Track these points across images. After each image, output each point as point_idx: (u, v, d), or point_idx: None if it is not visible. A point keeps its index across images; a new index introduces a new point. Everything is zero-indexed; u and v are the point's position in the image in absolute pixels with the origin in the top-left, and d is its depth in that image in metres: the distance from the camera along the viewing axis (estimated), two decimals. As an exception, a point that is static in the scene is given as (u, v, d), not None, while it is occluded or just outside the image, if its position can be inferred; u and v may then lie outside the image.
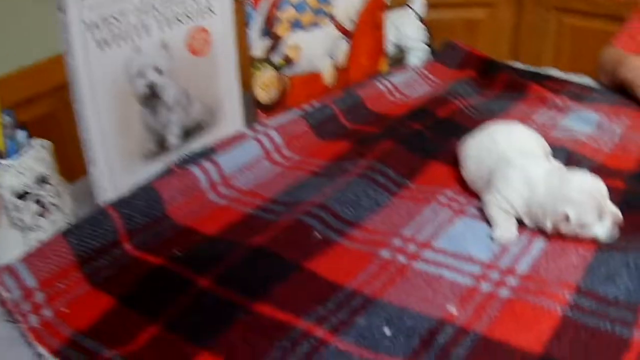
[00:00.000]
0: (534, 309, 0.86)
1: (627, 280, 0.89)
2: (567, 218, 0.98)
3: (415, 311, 0.87)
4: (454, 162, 1.22)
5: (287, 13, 1.38)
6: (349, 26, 1.54)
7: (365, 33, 1.59)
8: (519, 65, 1.79)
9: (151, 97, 1.16)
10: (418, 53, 1.80)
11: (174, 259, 0.96)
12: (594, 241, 0.99)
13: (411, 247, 1.01)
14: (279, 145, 1.31)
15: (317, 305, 0.88)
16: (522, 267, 0.95)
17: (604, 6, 2.15)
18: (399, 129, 1.34)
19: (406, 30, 1.77)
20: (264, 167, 1.25)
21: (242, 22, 1.33)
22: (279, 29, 1.38)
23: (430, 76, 1.70)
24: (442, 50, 1.80)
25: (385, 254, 0.99)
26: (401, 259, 0.98)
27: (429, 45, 1.80)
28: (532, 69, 1.76)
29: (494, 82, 1.64)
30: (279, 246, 0.99)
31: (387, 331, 0.84)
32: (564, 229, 0.99)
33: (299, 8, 1.40)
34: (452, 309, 0.87)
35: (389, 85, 1.59)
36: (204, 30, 1.24)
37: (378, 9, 1.61)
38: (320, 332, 0.83)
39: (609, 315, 0.84)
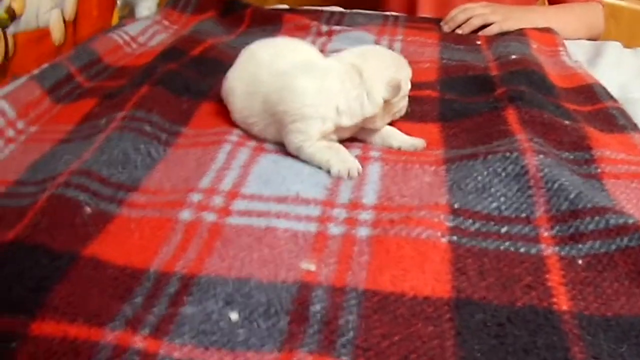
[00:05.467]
0: (413, 243, 0.65)
1: (504, 189, 0.72)
2: (399, 86, 0.81)
3: (261, 280, 0.60)
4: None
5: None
6: (76, -31, 1.21)
7: (95, -23, 1.28)
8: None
9: None
10: (148, 4, 1.52)
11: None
12: (435, 155, 0.82)
13: (217, 200, 0.72)
14: (12, 118, 0.93)
15: (120, 303, 0.56)
16: (369, 197, 0.73)
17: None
18: (151, 72, 1.03)
19: None
20: (-4, 149, 0.88)
21: None
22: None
23: (167, 23, 1.41)
24: None
25: (185, 215, 0.70)
26: (209, 217, 0.70)
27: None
28: (272, 7, 1.58)
29: (240, 19, 1.42)
30: (41, 234, 0.64)
31: (233, 316, 0.56)
32: (396, 104, 0.84)
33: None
34: (309, 265, 0.62)
35: (125, 37, 1.28)
36: None
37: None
38: (139, 342, 0.52)
39: (503, 234, 0.67)
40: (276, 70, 0.84)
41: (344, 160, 0.78)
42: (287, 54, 0.88)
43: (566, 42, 1.33)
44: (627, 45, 1.77)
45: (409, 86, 0.86)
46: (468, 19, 1.36)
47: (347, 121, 0.80)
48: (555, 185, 0.71)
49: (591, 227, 0.66)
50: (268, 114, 0.83)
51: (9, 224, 0.68)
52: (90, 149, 0.81)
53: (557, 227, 0.67)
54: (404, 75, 0.84)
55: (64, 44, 1.21)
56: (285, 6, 1.61)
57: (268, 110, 0.83)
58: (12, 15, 1.06)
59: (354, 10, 1.51)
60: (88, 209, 0.70)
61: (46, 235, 0.65)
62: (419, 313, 0.56)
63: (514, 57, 1.12)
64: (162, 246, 0.65)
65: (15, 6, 1.07)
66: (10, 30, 1.06)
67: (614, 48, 1.39)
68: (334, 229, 0.67)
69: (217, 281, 0.60)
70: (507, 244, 0.65)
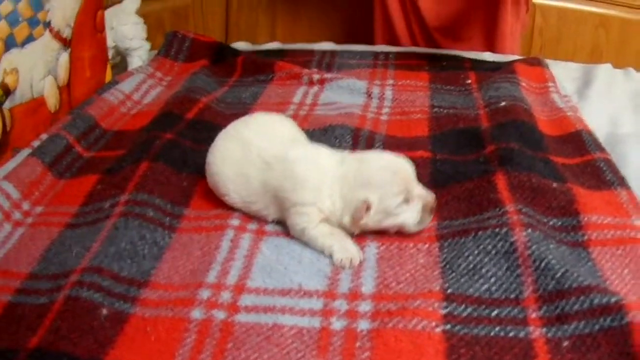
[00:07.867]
0: (409, 335, 0.69)
1: (494, 268, 0.76)
2: (368, 207, 0.81)
3: (272, 386, 0.65)
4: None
5: (-3, 29, 1.04)
6: (67, 33, 1.24)
7: (85, 38, 1.31)
8: (243, 45, 1.63)
9: None
10: (139, 53, 1.54)
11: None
12: (427, 229, 0.85)
13: (225, 296, 0.77)
14: (17, 200, 0.97)
15: None
16: (367, 285, 0.78)
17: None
18: (149, 145, 1.07)
19: (123, 30, 1.51)
20: (4, 233, 0.91)
21: None
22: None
23: (160, 75, 1.44)
24: (166, 44, 1.55)
25: (197, 314, 0.74)
26: (219, 315, 0.74)
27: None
28: (264, 47, 1.61)
29: (232, 68, 1.45)
30: (63, 341, 0.69)
31: None
32: (367, 221, 0.82)
33: (11, 21, 1.06)
34: (316, 367, 0.66)
35: (120, 96, 1.31)
36: None
37: (96, 6, 1.31)
38: None
39: (493, 318, 0.71)
40: (271, 154, 0.87)
41: (346, 249, 0.82)
42: (272, 134, 0.92)
43: (555, 67, 1.36)
44: (618, 54, 1.79)
45: (396, 203, 0.82)
46: None
47: (334, 223, 0.85)
48: (543, 264, 0.75)
49: (576, 307, 0.70)
50: (269, 195, 0.87)
51: (29, 326, 0.73)
52: (97, 238, 0.86)
53: (545, 308, 0.71)
54: (381, 193, 0.81)
55: (59, 109, 1.22)
56: (277, 43, 1.64)
57: (269, 192, 0.87)
58: (7, 91, 1.08)
59: (345, 47, 1.54)
60: (104, 311, 0.74)
61: (68, 341, 0.69)
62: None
63: (503, 104, 1.15)
64: (177, 348, 0.70)
65: (9, 81, 1.08)
66: (6, 105, 1.08)
67: (604, 72, 1.41)
68: (337, 323, 0.72)
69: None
70: (497, 329, 0.70)
